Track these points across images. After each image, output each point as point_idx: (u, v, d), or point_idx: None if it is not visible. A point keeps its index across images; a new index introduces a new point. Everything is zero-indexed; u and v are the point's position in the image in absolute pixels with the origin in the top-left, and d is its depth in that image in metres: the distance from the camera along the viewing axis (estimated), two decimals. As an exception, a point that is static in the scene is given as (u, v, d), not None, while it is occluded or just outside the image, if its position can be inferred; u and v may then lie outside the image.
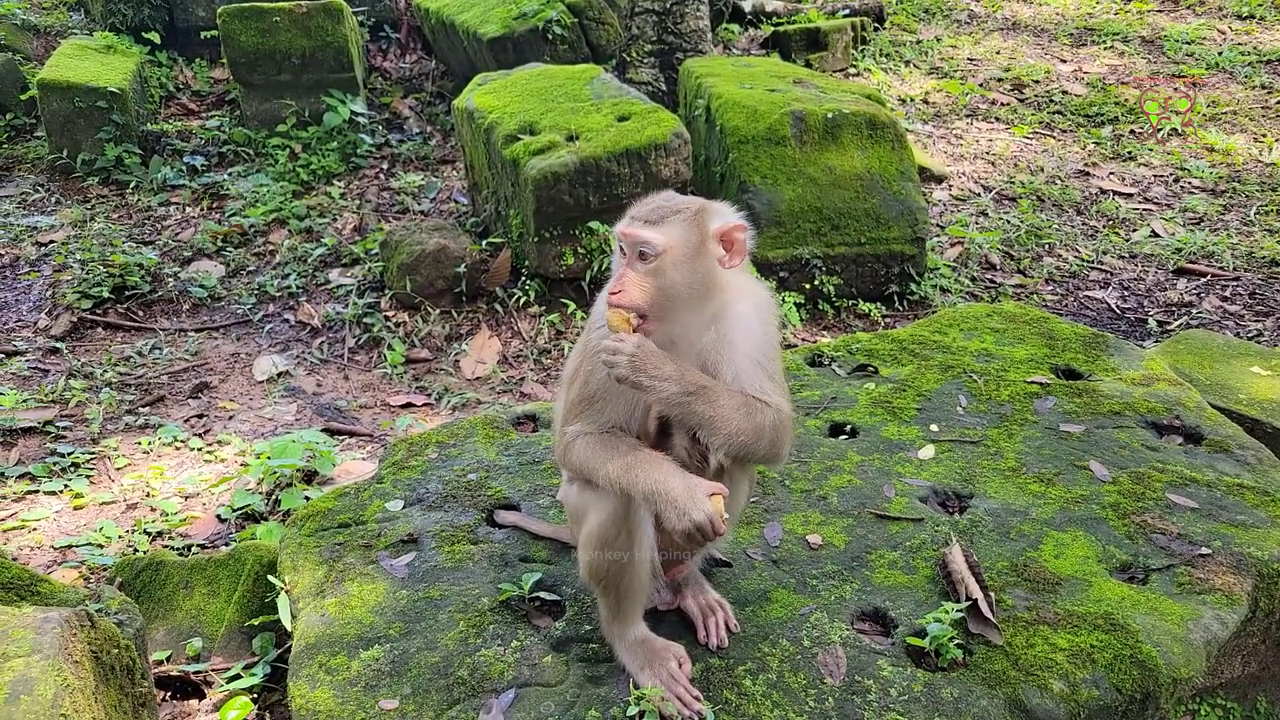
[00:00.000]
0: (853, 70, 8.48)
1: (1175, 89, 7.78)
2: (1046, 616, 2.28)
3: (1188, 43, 9.16)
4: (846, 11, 8.97)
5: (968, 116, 7.93)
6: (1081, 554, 2.48)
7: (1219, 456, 2.87)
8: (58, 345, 5.09)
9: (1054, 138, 7.63)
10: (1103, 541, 2.52)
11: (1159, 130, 7.19)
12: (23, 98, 7.14)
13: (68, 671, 1.87)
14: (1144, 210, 6.59)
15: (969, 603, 2.25)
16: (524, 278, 5.30)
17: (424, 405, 4.70)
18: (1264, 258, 5.88)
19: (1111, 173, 7.09)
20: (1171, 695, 2.21)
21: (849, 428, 3.07)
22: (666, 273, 1.94)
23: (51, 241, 5.98)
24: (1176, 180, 6.97)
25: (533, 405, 3.37)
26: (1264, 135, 7.48)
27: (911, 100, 8.15)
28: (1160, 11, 10.10)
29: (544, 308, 5.25)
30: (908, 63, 8.82)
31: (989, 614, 2.24)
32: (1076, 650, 2.19)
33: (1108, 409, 3.08)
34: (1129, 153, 7.34)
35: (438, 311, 5.25)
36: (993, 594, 2.32)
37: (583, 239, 5.13)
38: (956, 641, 2.19)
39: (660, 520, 1.92)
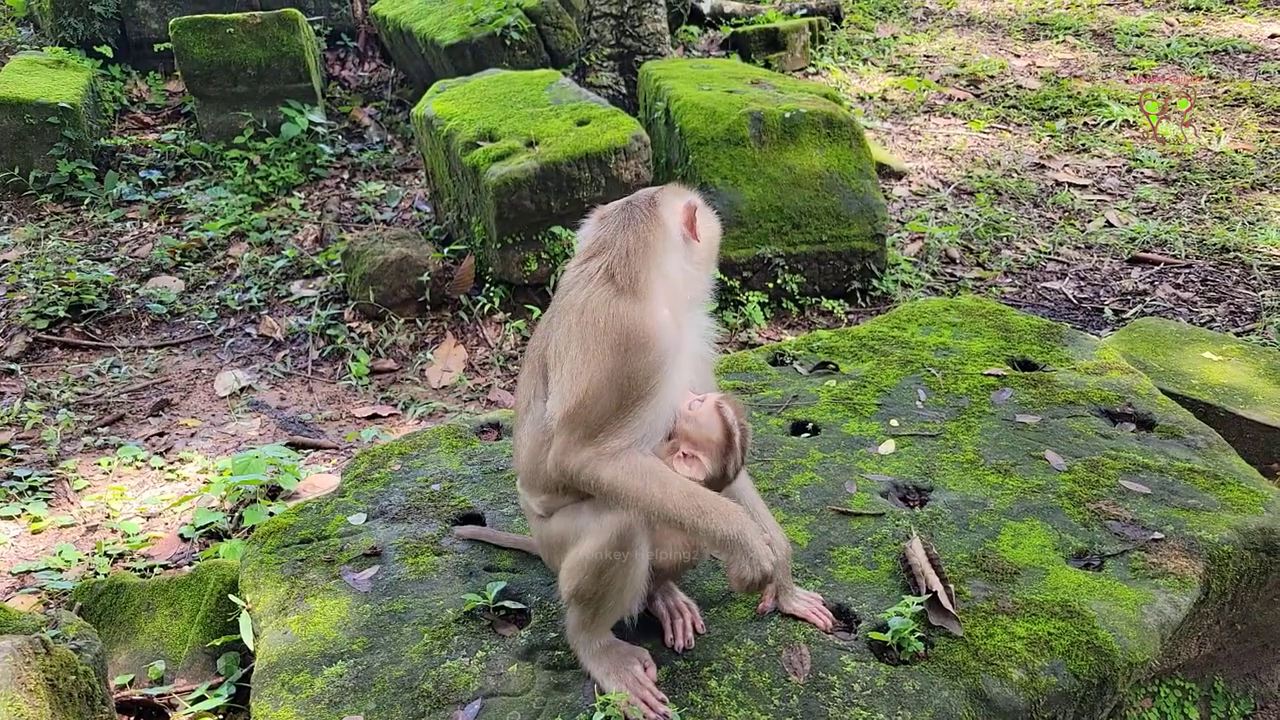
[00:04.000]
0: (811, 69, 8.54)
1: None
2: (1005, 606, 2.31)
3: (1137, 35, 9.32)
4: (804, 11, 9.02)
5: (925, 112, 8.02)
6: (1038, 543, 2.52)
7: (1170, 442, 2.92)
8: (12, 367, 5.00)
9: (1010, 132, 7.73)
10: (1059, 530, 2.56)
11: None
12: (-29, 115, 7.00)
13: (21, 701, 1.84)
14: (1098, 201, 6.69)
15: (929, 595, 2.28)
16: (488, 285, 5.29)
17: (390, 416, 4.67)
18: (1215, 245, 6.00)
19: (1066, 165, 7.20)
20: (1128, 679, 2.26)
21: (811, 425, 3.10)
22: None
23: (4, 261, 5.87)
24: (1129, 171, 7.09)
25: (496, 413, 3.37)
26: (1212, 124, 7.63)
27: (870, 98, 8.23)
28: (1110, 5, 10.28)
29: (509, 314, 5.24)
30: (865, 61, 8.90)
31: (949, 606, 2.27)
32: (1035, 638, 2.22)
33: (1062, 399, 3.13)
34: (1083, 145, 7.45)
35: (402, 321, 5.22)
36: (952, 586, 2.35)
37: (546, 244, 5.12)
38: (918, 634, 2.22)
39: (728, 565, 2.01)
